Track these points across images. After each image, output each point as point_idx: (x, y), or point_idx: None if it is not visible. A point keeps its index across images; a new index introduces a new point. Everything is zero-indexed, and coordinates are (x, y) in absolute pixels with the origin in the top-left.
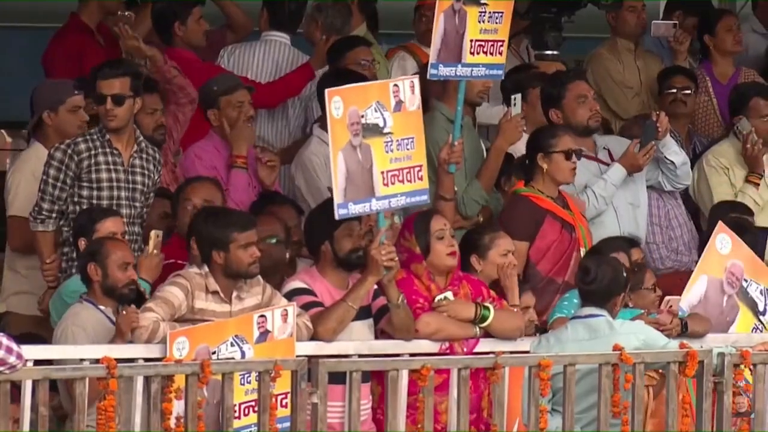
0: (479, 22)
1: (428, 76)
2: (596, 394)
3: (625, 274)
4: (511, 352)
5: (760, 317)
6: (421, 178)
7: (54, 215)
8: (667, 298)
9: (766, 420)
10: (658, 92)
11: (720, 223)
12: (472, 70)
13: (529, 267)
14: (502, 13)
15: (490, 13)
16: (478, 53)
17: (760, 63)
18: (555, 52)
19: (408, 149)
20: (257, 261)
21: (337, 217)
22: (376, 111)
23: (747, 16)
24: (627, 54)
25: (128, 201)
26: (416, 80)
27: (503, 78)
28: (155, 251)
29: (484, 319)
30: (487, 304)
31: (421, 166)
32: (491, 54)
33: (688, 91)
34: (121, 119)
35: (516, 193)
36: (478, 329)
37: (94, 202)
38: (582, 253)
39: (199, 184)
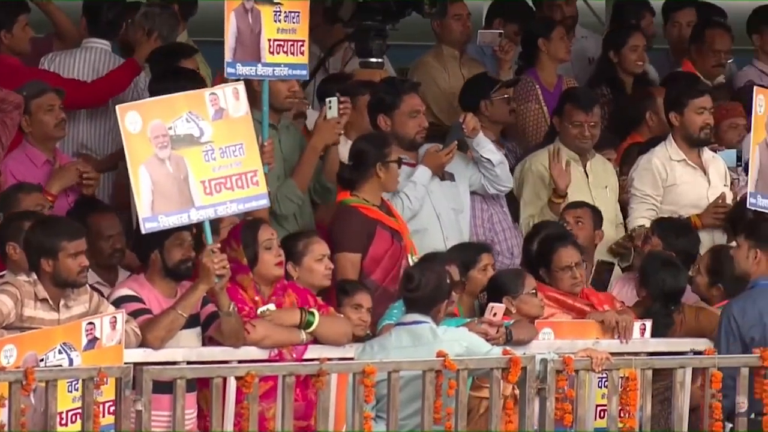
0: (275, 21)
1: (225, 75)
2: (420, 401)
3: (449, 281)
4: (339, 359)
5: None
6: (257, 183)
7: None
8: (490, 305)
9: (587, 426)
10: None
11: (756, 87)
12: (274, 70)
13: (363, 278)
14: (299, 12)
15: (285, 12)
16: (278, 53)
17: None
18: (379, 60)
19: (236, 156)
20: (85, 270)
21: (143, 231)
22: (188, 121)
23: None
24: (452, 62)
25: None
26: (240, 86)
27: (308, 78)
28: None
29: (309, 324)
30: (312, 310)
31: (255, 171)
32: (293, 54)
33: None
34: None
35: (343, 204)
36: (304, 335)
37: None
38: (410, 260)
39: None
